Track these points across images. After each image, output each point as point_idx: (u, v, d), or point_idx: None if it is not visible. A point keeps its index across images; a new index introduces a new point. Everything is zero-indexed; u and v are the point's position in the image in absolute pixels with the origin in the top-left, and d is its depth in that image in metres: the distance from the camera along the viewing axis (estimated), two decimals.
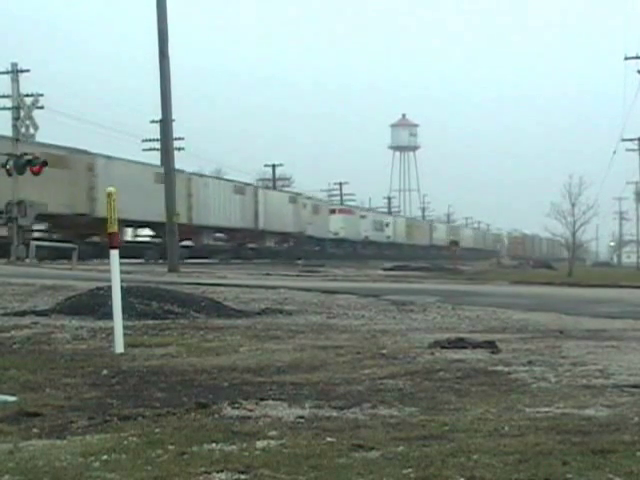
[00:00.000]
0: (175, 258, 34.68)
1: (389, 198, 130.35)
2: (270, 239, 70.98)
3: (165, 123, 37.00)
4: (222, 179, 68.04)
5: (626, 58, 63.50)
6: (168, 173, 36.22)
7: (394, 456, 4.74)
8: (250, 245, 67.10)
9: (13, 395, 6.58)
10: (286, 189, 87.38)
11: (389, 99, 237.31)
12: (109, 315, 10.07)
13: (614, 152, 74.23)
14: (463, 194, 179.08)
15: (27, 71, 46.25)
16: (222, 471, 4.46)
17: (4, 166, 43.40)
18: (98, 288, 14.04)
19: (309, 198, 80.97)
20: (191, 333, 10.90)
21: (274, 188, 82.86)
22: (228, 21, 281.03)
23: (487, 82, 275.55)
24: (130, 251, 45.63)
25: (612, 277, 40.44)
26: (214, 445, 5.00)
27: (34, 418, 5.82)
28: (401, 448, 4.89)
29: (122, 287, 10.00)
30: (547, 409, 6.05)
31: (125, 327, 9.55)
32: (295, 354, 8.99)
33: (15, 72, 45.85)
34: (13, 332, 10.81)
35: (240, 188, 65.31)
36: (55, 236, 48.23)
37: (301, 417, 5.84)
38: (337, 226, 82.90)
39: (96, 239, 46.37)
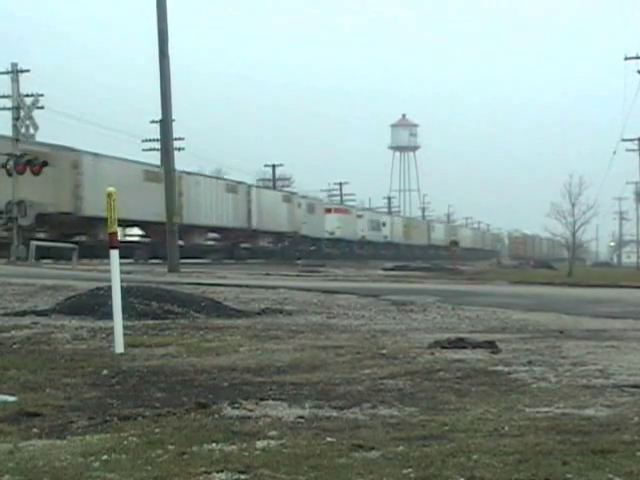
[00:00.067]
0: (175, 258, 34.68)
1: (389, 198, 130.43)
2: (264, 239, 69.90)
3: (165, 123, 37.00)
4: (214, 177, 66.36)
5: (626, 58, 63.54)
6: (168, 173, 36.22)
7: (394, 456, 4.74)
8: (243, 245, 66.05)
9: (13, 395, 6.58)
10: (286, 189, 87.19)
11: (389, 99, 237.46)
12: (109, 315, 10.07)
13: (614, 152, 74.35)
14: (463, 194, 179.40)
15: (27, 71, 46.31)
16: (222, 471, 4.46)
17: (4, 166, 43.44)
18: (98, 288, 14.04)
19: (304, 197, 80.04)
20: (191, 333, 10.90)
21: (274, 188, 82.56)
22: (228, 21, 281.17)
23: (487, 82, 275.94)
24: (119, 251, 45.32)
25: (612, 277, 40.43)
26: (214, 445, 5.00)
27: (34, 418, 5.82)
28: (401, 448, 4.89)
29: (122, 287, 10.00)
30: (547, 409, 6.06)
31: (125, 327, 9.56)
32: (295, 354, 8.99)
33: (15, 72, 45.88)
34: (13, 332, 10.81)
35: (232, 187, 64.15)
36: (39, 235, 47.47)
37: (301, 417, 5.84)
38: (333, 226, 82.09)
39: (81, 239, 45.72)
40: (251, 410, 6.04)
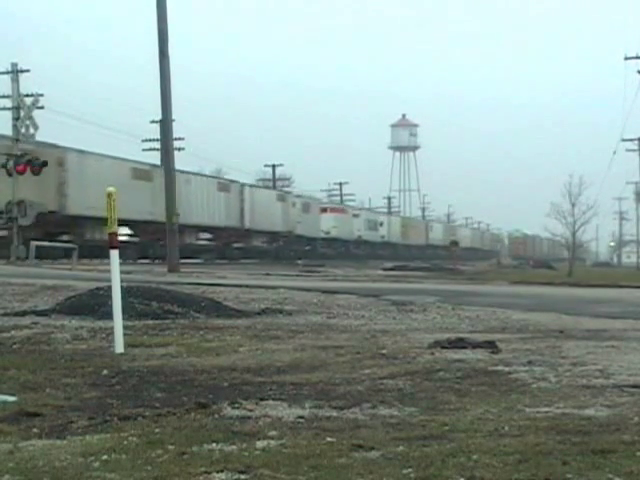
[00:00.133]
0: (175, 258, 34.69)
1: (389, 198, 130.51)
2: (257, 238, 68.64)
3: (165, 123, 37.02)
4: (205, 175, 64.41)
5: (626, 58, 63.55)
6: (168, 173, 36.22)
7: (394, 456, 4.73)
8: (236, 245, 64.79)
9: (13, 395, 6.58)
10: (286, 189, 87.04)
11: (389, 99, 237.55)
12: (109, 315, 10.07)
13: (614, 152, 74.41)
14: (463, 194, 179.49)
15: (27, 71, 46.30)
16: (222, 471, 4.46)
17: (4, 166, 43.44)
18: (98, 288, 14.04)
19: (299, 196, 79.11)
20: (191, 333, 10.90)
21: (274, 188, 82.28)
22: (228, 21, 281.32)
23: (487, 82, 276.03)
24: (107, 250, 44.18)
25: (612, 277, 40.44)
26: (214, 445, 5.00)
27: (34, 418, 5.82)
28: (401, 448, 4.89)
29: (122, 287, 10.00)
30: (547, 409, 6.05)
31: (125, 327, 9.55)
32: (295, 354, 8.99)
33: (15, 72, 45.88)
34: (13, 332, 10.81)
35: (225, 185, 62.98)
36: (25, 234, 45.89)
37: (301, 417, 5.83)
38: (328, 225, 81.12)
39: (66, 238, 44.74)
40: (251, 410, 6.04)
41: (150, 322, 12.12)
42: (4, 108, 45.73)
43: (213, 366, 8.10)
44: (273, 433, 5.30)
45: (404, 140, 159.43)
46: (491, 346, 9.27)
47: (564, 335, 10.94)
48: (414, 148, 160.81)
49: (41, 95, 45.77)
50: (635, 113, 70.03)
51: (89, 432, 5.42)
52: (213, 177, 65.98)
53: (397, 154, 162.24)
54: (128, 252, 49.48)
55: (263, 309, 14.46)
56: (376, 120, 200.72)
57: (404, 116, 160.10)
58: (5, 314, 13.05)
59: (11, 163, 43.47)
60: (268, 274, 33.64)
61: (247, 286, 20.70)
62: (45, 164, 43.30)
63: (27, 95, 45.70)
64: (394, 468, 4.49)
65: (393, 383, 7.21)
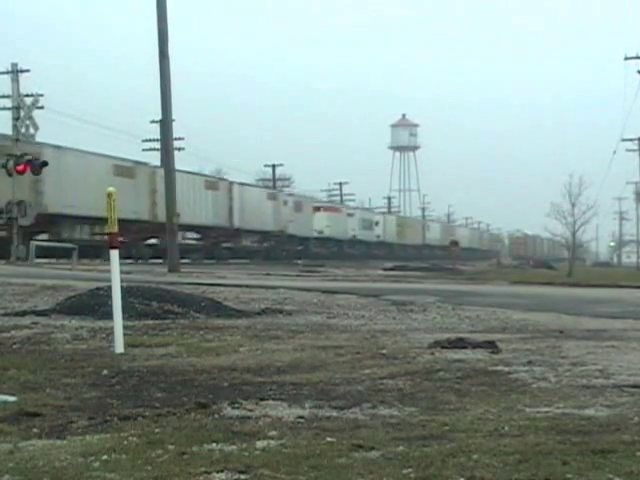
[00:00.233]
0: (175, 258, 34.68)
1: (389, 198, 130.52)
2: (247, 238, 66.94)
3: (165, 123, 37.00)
4: (192, 173, 61.62)
5: (626, 58, 63.55)
6: (168, 173, 36.20)
7: (394, 456, 4.74)
8: (225, 244, 63.05)
9: (13, 395, 6.58)
10: (286, 189, 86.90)
11: (389, 99, 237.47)
12: (109, 315, 10.07)
13: (614, 152, 74.46)
14: (463, 194, 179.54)
15: (27, 71, 46.38)
16: (222, 471, 4.46)
17: (4, 166, 43.44)
18: (98, 288, 14.05)
19: (291, 195, 77.80)
20: (191, 333, 10.90)
21: (274, 188, 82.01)
22: (228, 21, 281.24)
23: (487, 82, 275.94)
24: (88, 251, 43.17)
25: (612, 277, 40.44)
26: (214, 445, 5.00)
27: (34, 418, 5.82)
28: (401, 448, 4.89)
29: (122, 287, 10.00)
30: (547, 409, 6.06)
31: (125, 327, 9.55)
32: (295, 354, 8.99)
33: (15, 72, 45.93)
34: (13, 332, 10.81)
35: (212, 183, 61.26)
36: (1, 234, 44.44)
37: (301, 417, 5.84)
38: (322, 224, 79.58)
39: (43, 237, 44.09)
40: (251, 410, 6.04)
41: (150, 322, 12.12)
42: (4, 108, 45.79)
43: (213, 366, 8.10)
44: (273, 433, 5.31)
45: (404, 140, 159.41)
46: (491, 346, 9.27)
47: (564, 335, 10.94)
48: (414, 148, 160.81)
49: (41, 95, 45.86)
50: (635, 113, 70.10)
51: (89, 432, 5.42)
52: (200, 175, 63.76)
53: (397, 154, 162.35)
54: None
55: (263, 309, 14.46)
56: (376, 120, 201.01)
57: (404, 116, 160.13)
58: (5, 314, 13.05)
59: (11, 163, 43.44)
60: (268, 274, 33.65)
61: (247, 286, 20.70)
62: (45, 164, 43.28)
63: (27, 95, 45.76)
64: (394, 468, 4.49)
65: (393, 383, 7.21)
